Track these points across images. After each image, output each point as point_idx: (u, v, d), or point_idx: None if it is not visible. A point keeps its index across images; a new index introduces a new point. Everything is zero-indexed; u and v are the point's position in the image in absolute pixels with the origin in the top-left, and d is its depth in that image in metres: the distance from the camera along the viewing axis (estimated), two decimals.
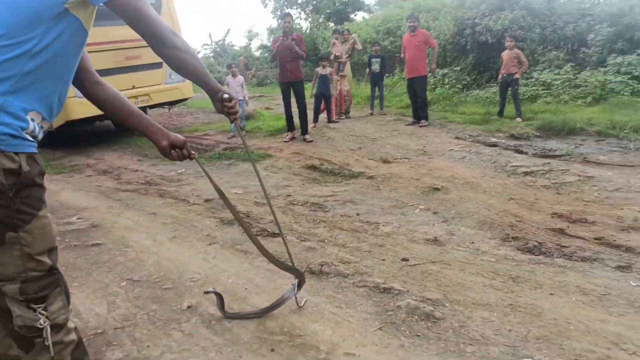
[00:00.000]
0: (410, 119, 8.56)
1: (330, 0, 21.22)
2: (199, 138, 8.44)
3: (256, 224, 3.99)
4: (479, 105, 9.83)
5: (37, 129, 1.43)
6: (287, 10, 22.16)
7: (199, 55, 26.59)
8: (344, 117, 9.33)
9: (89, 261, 3.29)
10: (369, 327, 2.32)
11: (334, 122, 8.86)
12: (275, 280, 2.89)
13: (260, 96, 15.51)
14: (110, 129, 10.18)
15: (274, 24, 24.56)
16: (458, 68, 11.79)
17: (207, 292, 2.52)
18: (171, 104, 9.58)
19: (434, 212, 4.12)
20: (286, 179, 5.58)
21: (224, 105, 1.93)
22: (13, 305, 1.37)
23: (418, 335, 2.23)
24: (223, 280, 2.92)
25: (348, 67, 9.78)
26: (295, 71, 7.30)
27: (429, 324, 2.31)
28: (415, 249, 3.34)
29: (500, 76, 8.56)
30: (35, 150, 1.40)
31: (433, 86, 11.63)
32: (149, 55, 8.70)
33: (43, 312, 1.39)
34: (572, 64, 10.11)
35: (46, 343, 1.40)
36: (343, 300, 2.60)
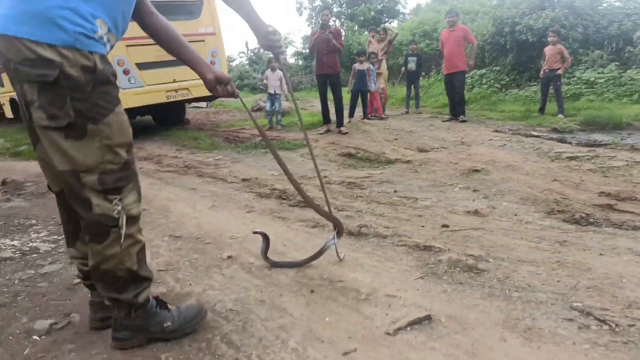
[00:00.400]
0: (447, 116, 8.48)
1: (366, 7, 21.40)
2: (236, 132, 8.60)
3: (293, 199, 4.02)
4: (519, 103, 9.66)
5: (105, 38, 1.50)
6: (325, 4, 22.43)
7: (234, 63, 27.29)
8: (376, 118, 9.29)
9: None
10: (410, 276, 2.28)
11: (370, 118, 8.86)
12: (313, 240, 2.89)
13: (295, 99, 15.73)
14: (151, 124, 10.49)
15: (309, 31, 24.86)
16: (497, 68, 11.64)
17: (255, 232, 2.55)
18: (209, 99, 9.80)
19: (474, 190, 4.05)
20: (322, 165, 5.59)
21: (269, 39, 1.97)
22: (92, 196, 1.47)
23: (461, 283, 2.18)
24: (261, 240, 2.93)
25: (384, 65, 9.78)
26: (332, 64, 7.36)
27: (472, 274, 2.26)
28: (456, 219, 3.28)
29: (542, 72, 8.38)
30: (106, 52, 1.48)
31: (470, 86, 11.51)
32: None
33: (119, 203, 1.49)
34: (617, 63, 9.82)
35: (120, 232, 1.50)
36: (382, 255, 2.58)
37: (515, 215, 3.35)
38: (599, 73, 9.69)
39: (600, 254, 2.49)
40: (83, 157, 1.44)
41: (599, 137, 6.18)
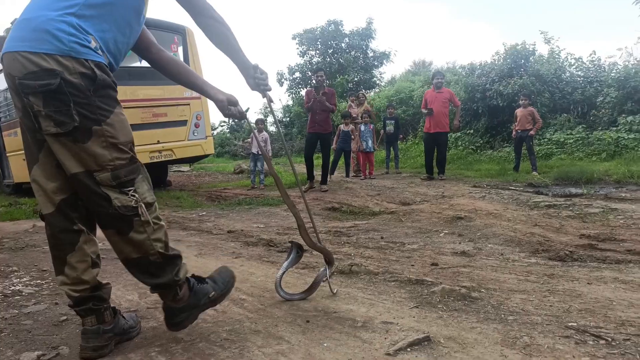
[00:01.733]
0: (426, 175, 8.67)
1: (344, 79, 22.38)
2: (219, 191, 8.64)
3: (281, 246, 4.03)
4: (494, 162, 10.04)
5: (99, 50, 1.59)
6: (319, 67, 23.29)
7: (216, 131, 27.72)
8: (361, 176, 9.51)
9: (118, 267, 3.31)
10: (405, 306, 2.29)
11: (354, 177, 9.10)
12: (304, 279, 2.89)
13: (276, 165, 15.97)
14: None
15: (289, 101, 25.70)
16: (471, 131, 12.16)
17: (290, 242, 2.60)
18: (193, 160, 9.90)
19: (460, 235, 4.14)
20: (306, 218, 5.63)
21: (255, 77, 2.03)
22: (109, 191, 1.57)
23: (456, 310, 2.19)
24: (252, 280, 2.92)
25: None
26: (324, 123, 7.58)
27: (467, 302, 2.29)
28: (444, 259, 3.33)
29: (514, 133, 8.79)
30: (103, 60, 1.57)
31: (447, 148, 11.94)
32: (174, 113, 9.07)
33: (134, 194, 1.59)
34: (584, 125, 10.39)
35: (142, 219, 1.60)
36: (375, 290, 2.59)
37: (502, 255, 3.43)
38: (567, 134, 10.23)
39: (588, 283, 2.55)
40: (94, 157, 1.53)
41: (573, 190, 6.43)
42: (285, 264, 2.50)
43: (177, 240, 4.44)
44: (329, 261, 2.52)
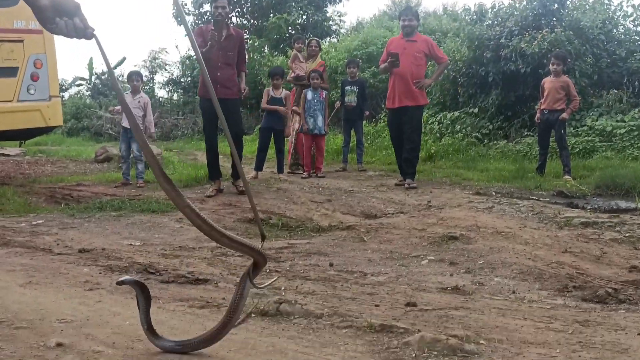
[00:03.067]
0: (401, 179, 8.32)
1: (281, 19, 22.32)
2: (69, 188, 8.40)
3: (166, 273, 3.99)
4: (508, 159, 10.36)
5: None
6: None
7: (68, 93, 27.00)
8: (303, 172, 9.51)
9: None
10: None
11: (291, 173, 9.19)
12: (202, 322, 2.87)
13: (166, 150, 15.77)
14: None
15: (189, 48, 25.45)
16: (475, 110, 12.47)
17: (121, 283, 2.47)
18: (25, 135, 9.57)
19: (451, 263, 4.27)
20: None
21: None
22: None
23: None
24: (116, 323, 2.87)
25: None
26: (229, 82, 7.49)
27: (458, 359, 2.34)
28: (426, 297, 3.41)
29: (538, 114, 9.04)
30: None
31: (438, 134, 12.21)
32: None
33: None
34: None
35: None
36: (316, 340, 2.60)
37: (514, 292, 3.56)
38: (617, 121, 10.71)
39: (639, 334, 2.68)
40: None
41: (622, 203, 6.75)
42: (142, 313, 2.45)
43: None
44: (256, 262, 2.45)
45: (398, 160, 8.44)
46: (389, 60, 7.85)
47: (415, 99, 8.01)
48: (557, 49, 10.92)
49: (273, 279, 2.57)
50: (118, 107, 9.34)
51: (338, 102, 10.58)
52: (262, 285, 2.49)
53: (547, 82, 8.90)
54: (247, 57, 7.93)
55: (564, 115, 8.71)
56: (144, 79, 14.76)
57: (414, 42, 8.10)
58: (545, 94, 8.84)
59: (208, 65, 7.49)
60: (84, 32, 1.89)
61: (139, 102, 8.59)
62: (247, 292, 2.45)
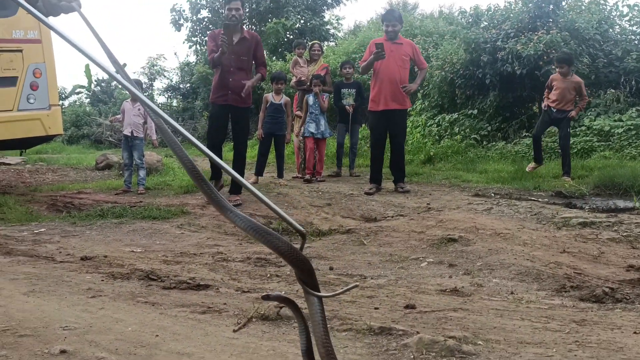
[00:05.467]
0: (372, 186, 8.10)
1: (279, 24, 22.34)
2: (70, 197, 8.43)
3: (169, 281, 4.03)
4: (507, 161, 10.41)
5: None
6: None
7: (68, 101, 26.93)
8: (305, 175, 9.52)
9: None
10: None
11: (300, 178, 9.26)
12: (204, 328, 2.91)
13: (166, 157, 15.76)
14: None
15: (191, 56, 25.51)
16: (474, 112, 12.51)
17: (267, 298, 1.93)
18: (26, 144, 9.60)
19: (450, 265, 4.33)
20: (213, 239, 5.67)
21: None
22: None
23: None
24: (118, 329, 2.92)
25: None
26: (240, 90, 7.36)
27: (455, 359, 2.38)
28: (425, 299, 3.46)
29: (545, 105, 8.90)
30: None
31: (437, 137, 12.25)
32: None
33: None
34: (639, 108, 10.93)
35: None
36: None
37: (512, 293, 3.62)
38: (615, 120, 10.75)
39: (635, 333, 2.72)
40: None
41: (620, 202, 6.79)
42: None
43: None
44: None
45: (375, 166, 8.17)
46: (374, 52, 7.67)
47: (402, 102, 8.00)
48: (553, 50, 10.98)
49: (352, 285, 2.20)
50: (118, 116, 9.33)
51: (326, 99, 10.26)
52: (333, 294, 2.16)
53: (558, 80, 8.74)
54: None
55: (573, 113, 8.73)
56: (143, 86, 14.75)
57: (400, 45, 8.07)
58: (559, 91, 8.68)
59: (221, 71, 7.40)
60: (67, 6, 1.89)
61: (139, 109, 8.61)
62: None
